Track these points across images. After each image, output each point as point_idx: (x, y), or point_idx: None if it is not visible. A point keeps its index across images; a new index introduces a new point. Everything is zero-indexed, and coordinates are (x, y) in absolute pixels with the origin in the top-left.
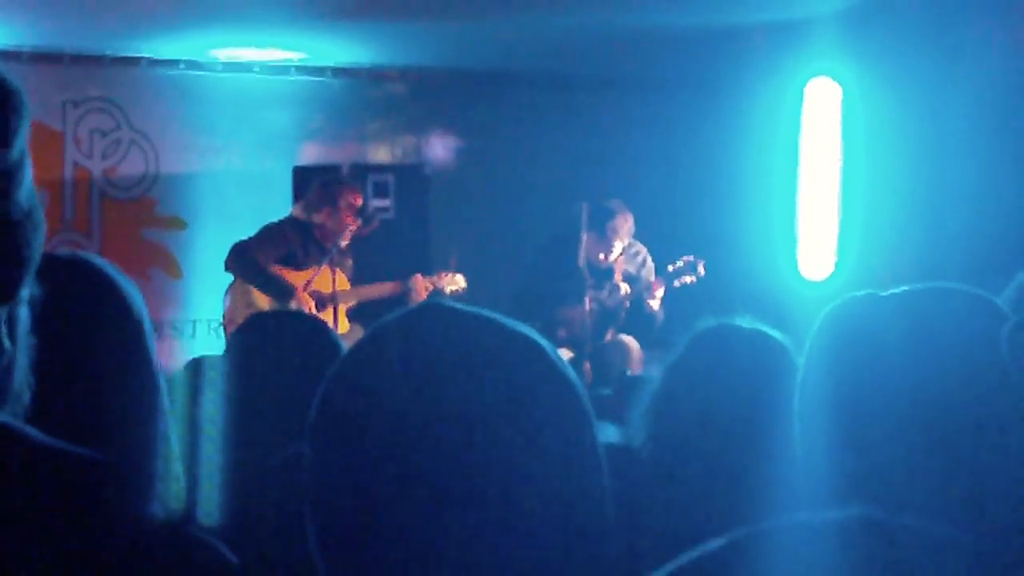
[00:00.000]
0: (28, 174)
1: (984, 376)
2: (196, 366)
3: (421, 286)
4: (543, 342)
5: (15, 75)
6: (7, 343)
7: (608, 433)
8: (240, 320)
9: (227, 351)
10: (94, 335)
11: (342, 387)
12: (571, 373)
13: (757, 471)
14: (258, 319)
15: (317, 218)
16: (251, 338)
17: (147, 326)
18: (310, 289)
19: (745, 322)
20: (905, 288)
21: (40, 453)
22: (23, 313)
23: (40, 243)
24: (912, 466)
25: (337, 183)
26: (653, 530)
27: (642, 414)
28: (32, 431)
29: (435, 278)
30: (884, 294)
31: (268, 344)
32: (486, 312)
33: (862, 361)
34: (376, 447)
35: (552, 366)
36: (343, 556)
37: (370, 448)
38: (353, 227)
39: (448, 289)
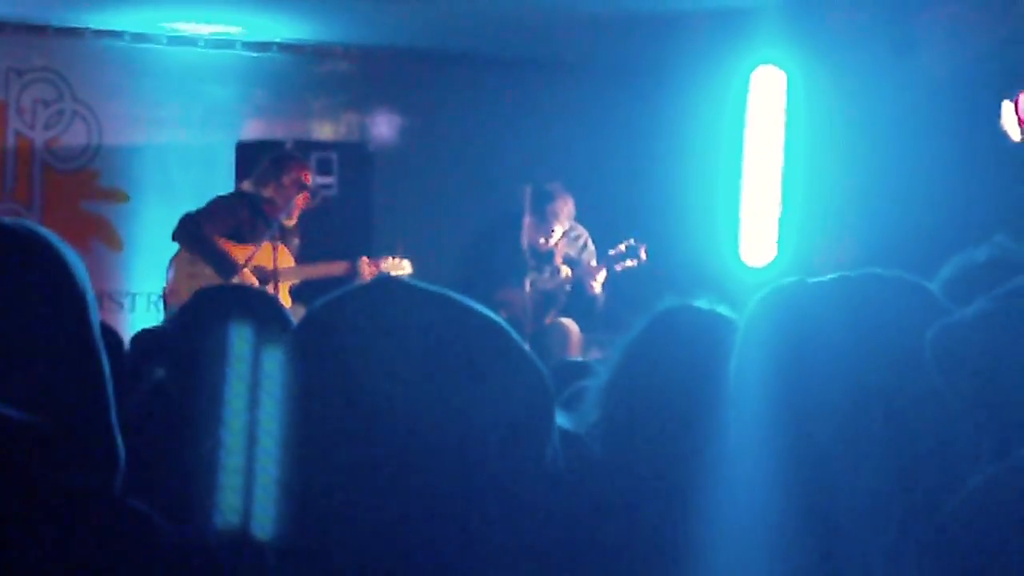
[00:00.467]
0: None
1: (912, 359)
2: (143, 337)
3: (366, 269)
4: (502, 321)
5: None
6: None
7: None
8: (183, 291)
9: (172, 324)
10: (36, 302)
11: (294, 360)
12: (531, 353)
13: (711, 450)
14: (205, 293)
15: (265, 193)
16: (198, 312)
17: (90, 296)
18: (251, 264)
19: (702, 303)
20: (838, 274)
21: None
22: None
23: None
24: (842, 447)
25: (287, 159)
26: (605, 511)
27: (599, 390)
28: None
29: (381, 262)
30: (815, 280)
31: (216, 319)
32: (443, 290)
33: (793, 347)
34: (328, 420)
35: (513, 345)
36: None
37: (321, 422)
38: (300, 204)
39: (393, 275)
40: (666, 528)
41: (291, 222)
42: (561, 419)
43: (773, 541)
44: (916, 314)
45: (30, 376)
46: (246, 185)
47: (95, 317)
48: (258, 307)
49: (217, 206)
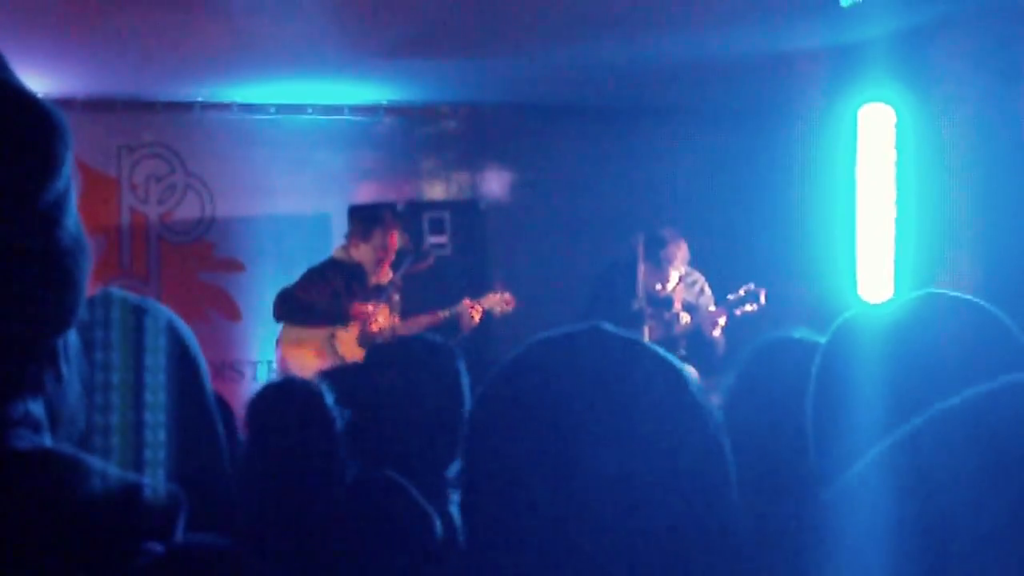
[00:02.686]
0: (73, 200)
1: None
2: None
3: (468, 309)
4: (684, 371)
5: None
6: (64, 368)
7: None
8: (294, 367)
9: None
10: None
11: (499, 398)
12: (708, 403)
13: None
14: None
15: (356, 256)
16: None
17: (202, 364)
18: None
19: (802, 334)
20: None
21: (95, 479)
22: (72, 338)
23: (88, 267)
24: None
25: (372, 220)
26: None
27: None
28: (95, 461)
29: (482, 299)
30: (882, 304)
31: (397, 368)
32: (636, 338)
33: (860, 364)
34: (526, 459)
35: (692, 397)
36: (490, 552)
37: (520, 459)
38: (386, 263)
39: (497, 309)
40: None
41: (386, 280)
42: None
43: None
44: (976, 329)
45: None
46: (337, 252)
47: (207, 382)
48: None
49: (309, 275)
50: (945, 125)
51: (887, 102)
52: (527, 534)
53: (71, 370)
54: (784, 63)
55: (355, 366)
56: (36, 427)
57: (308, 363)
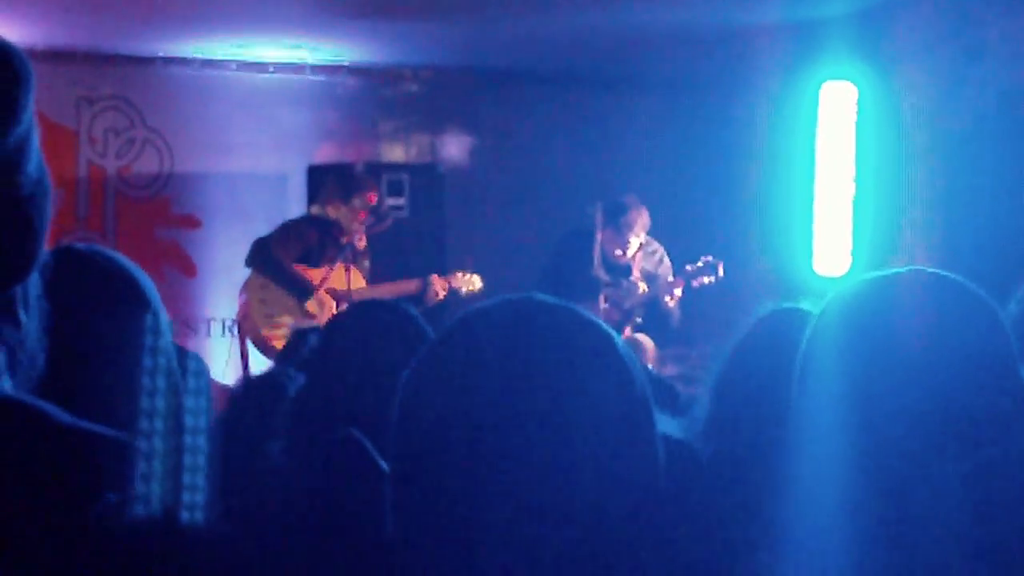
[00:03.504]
0: (35, 144)
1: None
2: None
3: (438, 286)
4: (613, 334)
5: None
6: (23, 315)
7: (665, 423)
8: (255, 316)
9: (324, 339)
10: (113, 325)
11: (430, 370)
12: (636, 366)
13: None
14: (353, 310)
15: (333, 215)
16: (346, 328)
17: (163, 318)
18: (326, 286)
19: (807, 305)
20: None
21: (65, 433)
22: (33, 280)
23: (49, 210)
24: (910, 447)
25: (352, 180)
26: (714, 511)
27: (706, 391)
28: (54, 410)
29: (451, 278)
30: (880, 276)
31: (363, 334)
32: (567, 305)
33: (858, 344)
34: (454, 429)
35: (619, 358)
36: (419, 524)
37: (451, 430)
38: (365, 225)
39: (464, 290)
40: (770, 530)
41: (361, 243)
42: (669, 426)
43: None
44: (959, 309)
45: (108, 397)
46: (314, 209)
47: (169, 339)
48: (406, 328)
49: (287, 230)
50: (906, 103)
51: (848, 79)
52: (454, 503)
53: (31, 314)
54: (747, 37)
55: (320, 329)
56: None
57: (275, 315)
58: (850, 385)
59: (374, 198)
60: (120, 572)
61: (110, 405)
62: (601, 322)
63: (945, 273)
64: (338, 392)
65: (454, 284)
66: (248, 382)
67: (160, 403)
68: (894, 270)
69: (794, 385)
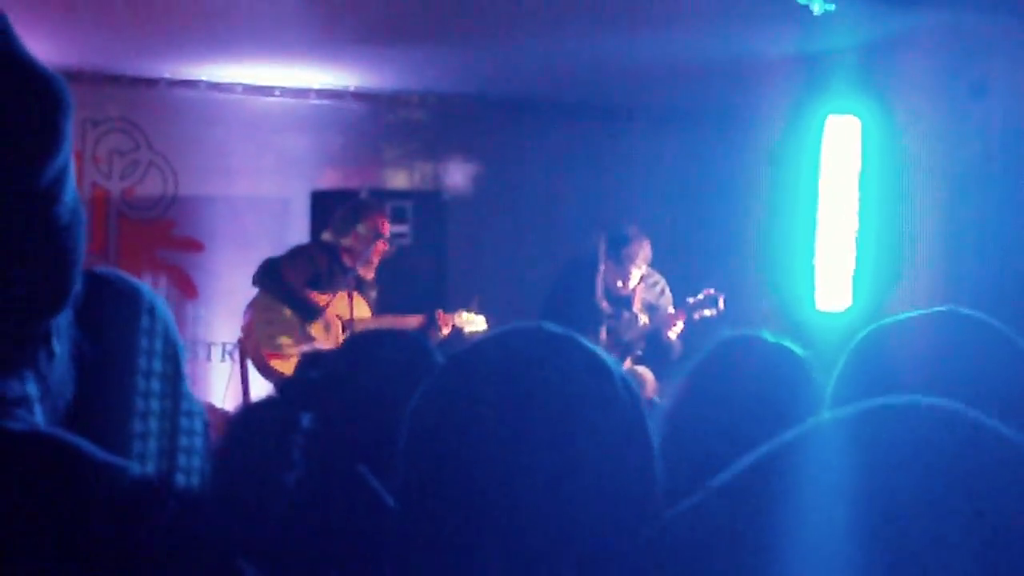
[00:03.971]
0: (72, 174)
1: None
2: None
3: (442, 323)
4: (618, 371)
5: None
6: (57, 346)
7: None
8: (258, 336)
9: (337, 367)
10: (135, 351)
11: (437, 399)
12: (638, 399)
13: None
14: (367, 338)
15: (344, 242)
16: (361, 356)
17: (180, 345)
18: (331, 312)
19: (768, 335)
20: (921, 313)
21: (87, 464)
22: (67, 311)
23: (84, 239)
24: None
25: (365, 208)
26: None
27: (661, 416)
28: (81, 442)
29: (456, 316)
30: (900, 319)
31: (377, 363)
32: (573, 336)
33: (888, 386)
34: (460, 456)
35: (621, 390)
36: (422, 554)
37: (457, 460)
38: (378, 253)
39: (467, 330)
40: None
41: (369, 274)
42: None
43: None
44: (989, 351)
45: (125, 418)
46: (326, 235)
47: (185, 365)
48: (406, 350)
49: (297, 253)
50: (909, 138)
51: (852, 113)
52: (459, 532)
53: (63, 345)
54: (752, 69)
55: (329, 355)
56: (30, 406)
57: (277, 335)
58: None
59: (386, 227)
60: None
61: (131, 433)
62: (605, 354)
63: (978, 314)
64: (350, 423)
65: (458, 323)
66: (254, 410)
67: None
68: (924, 311)
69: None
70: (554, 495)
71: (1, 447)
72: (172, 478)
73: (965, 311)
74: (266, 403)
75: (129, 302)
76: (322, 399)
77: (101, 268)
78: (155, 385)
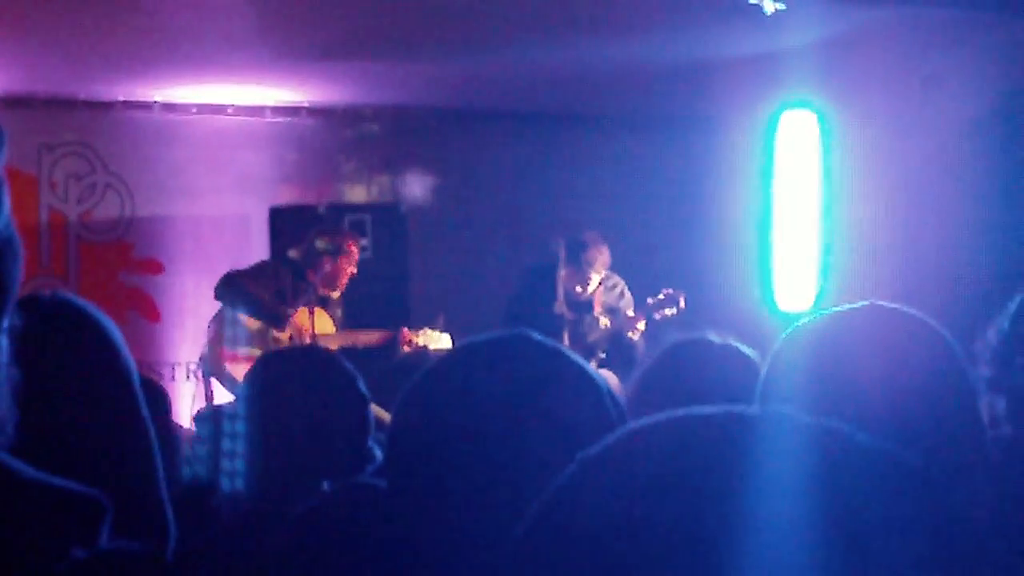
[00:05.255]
0: (5, 202)
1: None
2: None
3: (406, 340)
4: (595, 374)
5: None
6: None
7: None
8: (221, 351)
9: (246, 387)
10: (78, 371)
11: (422, 399)
12: (617, 403)
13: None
14: (267, 359)
15: (314, 262)
16: (268, 374)
17: (129, 363)
18: (294, 327)
19: (716, 337)
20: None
21: (31, 489)
22: (2, 343)
23: (19, 270)
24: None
25: (332, 229)
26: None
27: None
28: (21, 466)
29: (421, 333)
30: (830, 312)
31: (286, 380)
32: (554, 344)
33: (815, 377)
34: (444, 458)
35: (601, 395)
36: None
37: (438, 459)
38: (346, 273)
39: (432, 347)
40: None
41: (336, 292)
42: None
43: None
44: (915, 345)
45: (80, 447)
46: (293, 253)
47: (135, 383)
48: (323, 370)
49: (262, 268)
50: (867, 132)
51: (810, 108)
52: (445, 533)
53: (0, 376)
54: (707, 70)
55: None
56: None
57: (240, 348)
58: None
59: (354, 247)
60: None
61: (83, 457)
62: (583, 361)
63: (902, 308)
64: (269, 441)
65: (422, 340)
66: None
67: (135, 453)
68: (851, 305)
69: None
70: (536, 489)
71: None
72: (127, 499)
73: (887, 304)
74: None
75: (76, 326)
76: (232, 422)
77: (45, 293)
78: (106, 409)
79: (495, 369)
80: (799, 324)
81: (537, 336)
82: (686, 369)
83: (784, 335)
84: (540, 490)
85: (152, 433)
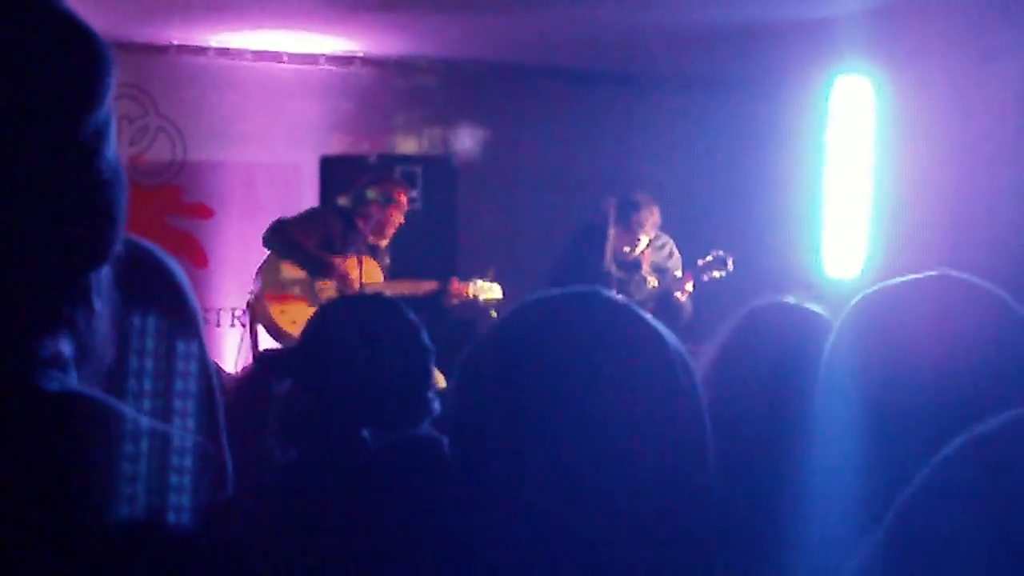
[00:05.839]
0: (113, 131)
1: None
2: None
3: (457, 290)
4: (669, 337)
5: None
6: (96, 304)
7: None
8: (268, 299)
9: (310, 332)
10: (155, 311)
11: (489, 354)
12: (692, 372)
13: (808, 444)
14: (330, 307)
15: (360, 208)
16: (324, 327)
17: (197, 307)
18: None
19: (795, 300)
20: (917, 277)
21: (124, 427)
22: (105, 270)
23: (125, 200)
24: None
25: (384, 177)
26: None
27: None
28: (117, 404)
29: (471, 284)
30: (900, 282)
31: (349, 327)
32: (627, 304)
33: (878, 352)
34: (511, 414)
35: (673, 359)
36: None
37: (506, 415)
38: (395, 222)
39: (482, 297)
40: (756, 518)
41: (384, 241)
42: None
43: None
44: (989, 319)
45: (159, 393)
46: (343, 200)
47: (203, 330)
48: (389, 318)
49: (311, 215)
50: (921, 102)
51: (864, 75)
52: (511, 488)
53: (103, 305)
54: (762, 33)
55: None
56: (64, 367)
57: (287, 297)
58: (873, 393)
59: (404, 196)
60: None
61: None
62: (657, 324)
63: (973, 278)
64: (329, 390)
65: (473, 291)
66: (237, 380)
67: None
68: (919, 275)
69: (817, 391)
70: (603, 457)
71: (34, 407)
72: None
73: (958, 274)
74: (241, 377)
75: (162, 274)
76: (297, 368)
77: (137, 238)
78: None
79: (562, 323)
80: (867, 292)
81: (609, 294)
82: (768, 333)
83: (852, 303)
84: (607, 456)
85: (215, 379)
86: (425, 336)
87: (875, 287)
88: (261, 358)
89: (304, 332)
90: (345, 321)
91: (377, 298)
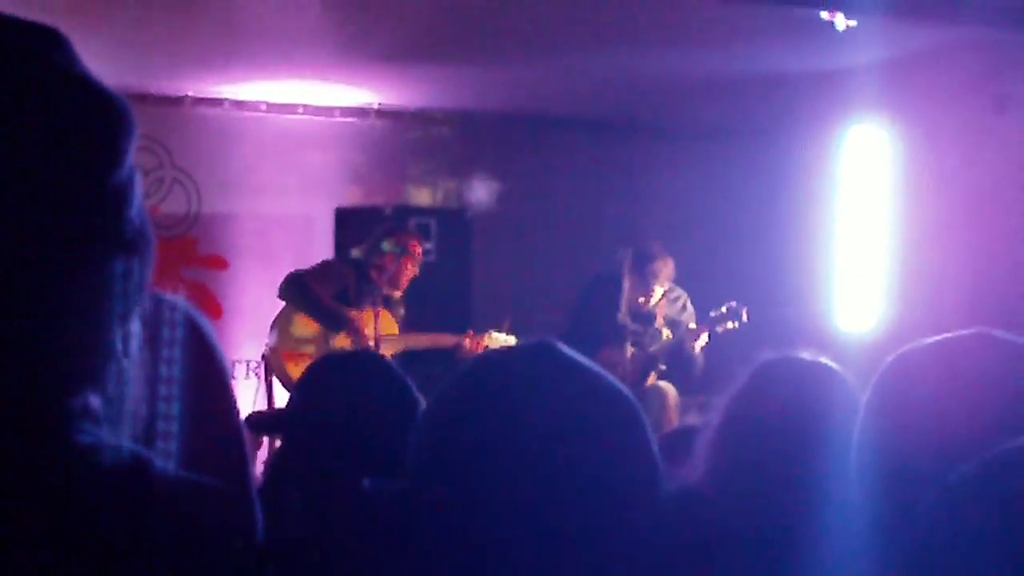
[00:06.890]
0: (137, 192)
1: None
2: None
3: (472, 344)
4: (621, 386)
5: None
6: (124, 361)
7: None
8: (283, 352)
9: (298, 392)
10: (186, 367)
11: (443, 410)
12: (652, 443)
13: (820, 501)
14: (321, 364)
15: (374, 260)
16: (314, 384)
17: (225, 362)
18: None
19: (806, 355)
20: (950, 336)
21: (158, 478)
22: (136, 329)
23: (151, 259)
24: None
25: (397, 229)
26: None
27: (705, 445)
28: (149, 455)
29: (486, 336)
30: (931, 343)
31: (333, 391)
32: (587, 363)
33: (920, 412)
34: (464, 469)
35: (627, 411)
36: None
37: (459, 470)
38: (409, 273)
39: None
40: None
41: (398, 292)
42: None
43: None
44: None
45: (186, 440)
46: (357, 252)
47: (231, 382)
48: (374, 375)
49: (325, 267)
50: (933, 153)
51: (876, 126)
52: (467, 539)
53: (132, 363)
54: (777, 83)
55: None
56: (96, 420)
57: (302, 350)
58: (912, 455)
59: (418, 248)
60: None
61: (187, 448)
62: (608, 374)
63: (1010, 336)
64: (319, 445)
65: (488, 343)
66: None
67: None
68: (954, 334)
69: (852, 450)
70: (557, 510)
71: (67, 459)
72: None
73: (996, 333)
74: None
75: (193, 329)
76: (287, 426)
77: (165, 294)
78: (209, 406)
79: (514, 380)
80: (903, 351)
81: (559, 346)
82: (779, 389)
83: (888, 362)
84: (564, 506)
85: (244, 432)
86: (414, 390)
87: (910, 346)
88: (248, 420)
89: (293, 391)
90: (333, 376)
91: (363, 354)
